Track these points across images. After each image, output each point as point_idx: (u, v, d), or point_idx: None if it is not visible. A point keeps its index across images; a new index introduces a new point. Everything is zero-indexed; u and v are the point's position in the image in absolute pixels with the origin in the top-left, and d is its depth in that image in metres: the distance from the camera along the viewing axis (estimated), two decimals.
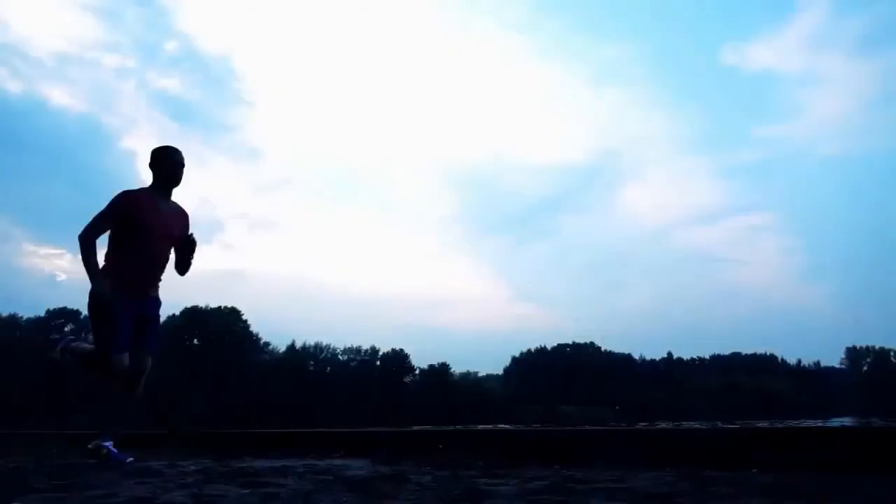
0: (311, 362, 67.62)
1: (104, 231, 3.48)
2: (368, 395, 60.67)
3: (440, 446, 3.28)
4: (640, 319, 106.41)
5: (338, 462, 3.46)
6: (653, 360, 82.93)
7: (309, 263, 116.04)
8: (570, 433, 3.34)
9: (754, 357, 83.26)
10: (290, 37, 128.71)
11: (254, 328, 64.78)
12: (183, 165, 3.60)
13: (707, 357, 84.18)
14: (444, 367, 72.08)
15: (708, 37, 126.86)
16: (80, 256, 3.40)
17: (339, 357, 70.07)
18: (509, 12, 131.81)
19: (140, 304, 3.52)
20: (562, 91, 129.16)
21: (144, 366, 3.54)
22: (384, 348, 70.59)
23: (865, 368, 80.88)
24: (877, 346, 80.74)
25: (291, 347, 66.69)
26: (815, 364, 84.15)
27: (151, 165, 3.59)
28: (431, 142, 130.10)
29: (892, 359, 79.85)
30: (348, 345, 70.22)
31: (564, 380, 70.94)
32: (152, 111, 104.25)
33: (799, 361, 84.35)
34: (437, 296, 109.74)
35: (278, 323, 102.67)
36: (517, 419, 50.98)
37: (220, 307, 65.30)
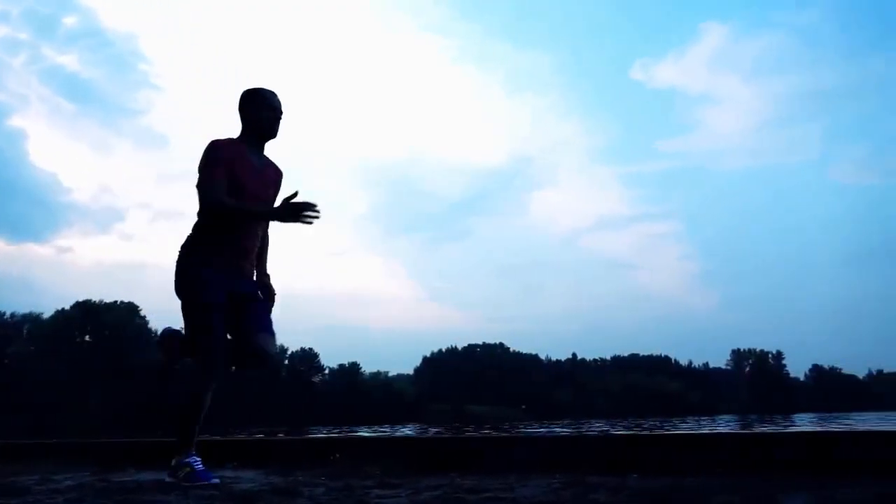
0: None
1: (225, 183, 2.84)
2: (275, 395, 59.00)
3: (336, 455, 3.23)
4: (547, 320, 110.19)
5: (230, 474, 3.32)
6: (558, 361, 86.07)
7: None
8: (467, 440, 3.39)
9: (650, 358, 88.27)
10: (205, 20, 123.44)
11: (153, 325, 61.44)
12: (282, 113, 3.00)
13: (608, 358, 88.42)
14: (354, 367, 71.44)
15: (620, 52, 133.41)
16: (234, 218, 2.86)
17: None
18: (429, 14, 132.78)
19: (233, 282, 2.92)
20: (478, 94, 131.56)
21: (267, 348, 2.94)
22: (293, 347, 69.05)
23: (748, 369, 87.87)
24: (758, 349, 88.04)
25: None
26: (704, 365, 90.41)
27: (242, 111, 2.99)
28: (348, 139, 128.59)
29: (770, 360, 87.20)
30: None
31: (474, 380, 72.17)
32: (45, 89, 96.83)
33: (690, 362, 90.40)
34: (349, 294, 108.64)
35: (180, 320, 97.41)
36: (427, 419, 51.29)
37: (115, 301, 61.62)
